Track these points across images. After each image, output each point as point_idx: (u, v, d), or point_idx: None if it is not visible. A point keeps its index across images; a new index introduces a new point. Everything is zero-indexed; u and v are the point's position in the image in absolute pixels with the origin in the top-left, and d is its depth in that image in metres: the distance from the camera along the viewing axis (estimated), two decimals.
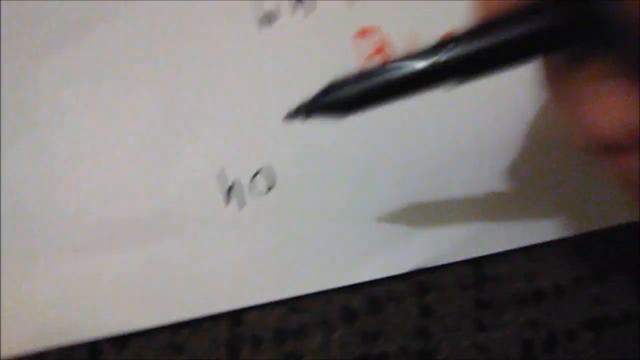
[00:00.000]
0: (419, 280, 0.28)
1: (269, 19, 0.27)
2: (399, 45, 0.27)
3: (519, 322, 0.28)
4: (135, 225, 0.26)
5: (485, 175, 0.28)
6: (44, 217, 0.26)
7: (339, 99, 0.18)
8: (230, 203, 0.27)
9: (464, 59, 0.17)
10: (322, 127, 0.27)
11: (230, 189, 0.27)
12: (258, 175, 0.27)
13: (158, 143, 0.27)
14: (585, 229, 0.28)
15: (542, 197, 0.28)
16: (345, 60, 0.27)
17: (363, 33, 0.27)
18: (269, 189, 0.27)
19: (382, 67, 0.18)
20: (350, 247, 0.27)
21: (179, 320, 0.26)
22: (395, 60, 0.18)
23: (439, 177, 0.27)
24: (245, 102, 0.27)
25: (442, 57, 0.17)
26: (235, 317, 0.27)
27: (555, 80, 0.19)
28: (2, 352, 0.26)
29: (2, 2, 0.27)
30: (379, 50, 0.27)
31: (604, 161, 0.19)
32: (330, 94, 0.19)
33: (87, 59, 0.27)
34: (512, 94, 0.27)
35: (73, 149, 0.27)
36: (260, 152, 0.27)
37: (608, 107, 0.18)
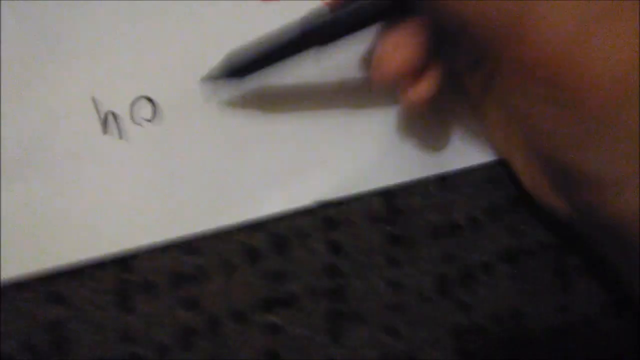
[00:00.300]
0: (326, 215, 0.26)
1: None
2: None
3: (433, 256, 0.27)
4: (1, 160, 0.23)
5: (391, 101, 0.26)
6: None
7: (235, 67, 0.24)
8: (107, 133, 0.24)
9: (327, 26, 0.23)
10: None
11: (106, 118, 0.24)
12: (137, 105, 0.24)
13: (22, 64, 0.24)
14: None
15: (450, 124, 0.27)
16: None
17: None
18: (151, 119, 0.24)
19: (266, 38, 0.23)
20: (248, 181, 0.25)
21: (55, 269, 0.24)
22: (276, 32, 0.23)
23: (342, 101, 0.26)
24: (118, 24, 0.25)
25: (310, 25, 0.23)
26: (124, 261, 0.24)
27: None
28: None
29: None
30: None
31: (401, 96, 0.24)
32: (229, 62, 0.24)
33: None
34: None
35: None
36: (139, 81, 0.24)
37: (380, 45, 0.23)
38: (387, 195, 0.26)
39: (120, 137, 0.24)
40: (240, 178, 0.25)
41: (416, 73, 0.23)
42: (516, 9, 0.20)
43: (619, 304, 0.28)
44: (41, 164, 0.24)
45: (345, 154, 0.26)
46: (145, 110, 0.24)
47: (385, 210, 0.26)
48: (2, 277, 0.23)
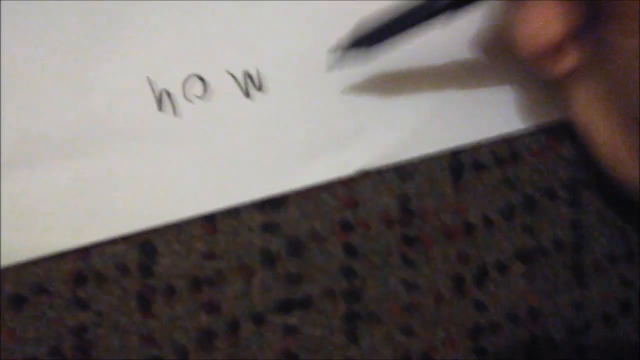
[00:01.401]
0: (341, 218, 0.26)
1: None
2: None
3: (448, 256, 0.27)
4: (60, 138, 0.24)
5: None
6: None
7: (364, 36, 0.24)
8: (162, 110, 0.25)
9: None
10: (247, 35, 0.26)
11: (161, 96, 0.25)
12: (189, 83, 0.25)
13: (77, 51, 0.25)
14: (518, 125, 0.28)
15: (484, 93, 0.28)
16: None
17: None
18: (202, 96, 0.25)
19: (394, 9, 0.23)
20: (292, 151, 0.26)
21: (117, 235, 0.25)
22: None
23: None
24: (174, 10, 0.25)
25: None
26: (147, 268, 0.25)
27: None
28: None
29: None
30: None
31: (536, 69, 0.24)
32: (357, 34, 0.24)
33: None
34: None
35: None
36: (190, 60, 0.25)
37: (529, 20, 0.22)
38: (402, 197, 0.27)
39: (175, 114, 0.25)
40: (286, 149, 0.26)
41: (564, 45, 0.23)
42: None
43: (638, 300, 0.28)
44: (100, 141, 0.25)
45: (386, 122, 0.27)
46: (197, 87, 0.25)
47: (400, 212, 0.27)
48: (61, 247, 0.24)
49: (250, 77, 0.26)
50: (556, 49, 0.23)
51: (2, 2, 0.24)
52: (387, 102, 0.27)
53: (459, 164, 0.27)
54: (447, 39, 0.27)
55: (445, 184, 0.27)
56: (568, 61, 0.23)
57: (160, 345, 0.25)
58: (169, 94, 0.25)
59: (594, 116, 0.26)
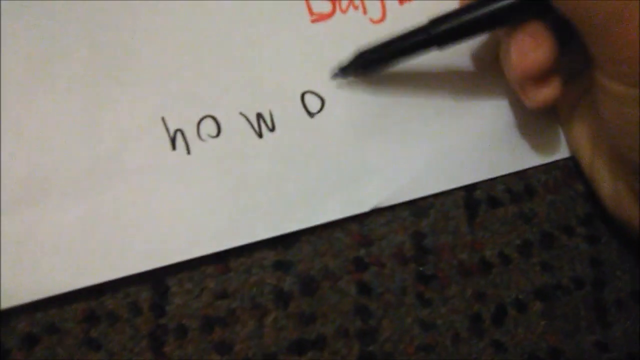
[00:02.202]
0: (355, 257, 0.26)
1: None
2: None
3: (465, 295, 0.26)
4: (71, 176, 0.25)
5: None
6: None
7: (363, 62, 0.25)
8: (176, 149, 0.25)
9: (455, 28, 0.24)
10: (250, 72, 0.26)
11: (175, 136, 0.25)
12: (202, 123, 0.26)
13: (92, 88, 0.25)
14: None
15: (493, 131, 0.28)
16: None
17: None
18: (214, 136, 0.26)
19: (392, 38, 0.25)
20: (308, 189, 0.26)
21: (130, 274, 0.24)
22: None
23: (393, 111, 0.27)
24: (183, 50, 0.26)
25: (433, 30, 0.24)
26: (160, 306, 0.25)
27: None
28: None
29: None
30: None
31: (527, 97, 0.25)
32: (359, 59, 0.25)
33: (10, 7, 0.25)
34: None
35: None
36: (204, 100, 0.26)
37: (523, 49, 0.23)
38: (417, 235, 0.26)
39: (188, 152, 0.25)
40: (300, 187, 0.26)
41: (543, 75, 0.24)
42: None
43: None
44: (111, 179, 0.25)
45: (399, 159, 0.27)
46: (211, 128, 0.26)
47: (415, 249, 0.26)
48: (71, 287, 0.24)
49: (263, 118, 0.26)
50: (537, 78, 0.24)
51: (6, 41, 0.25)
52: (400, 139, 0.27)
53: (474, 200, 0.27)
54: (457, 74, 0.27)
55: (461, 221, 0.27)
56: (552, 90, 0.24)
57: None
58: (182, 133, 0.25)
59: (593, 156, 0.26)
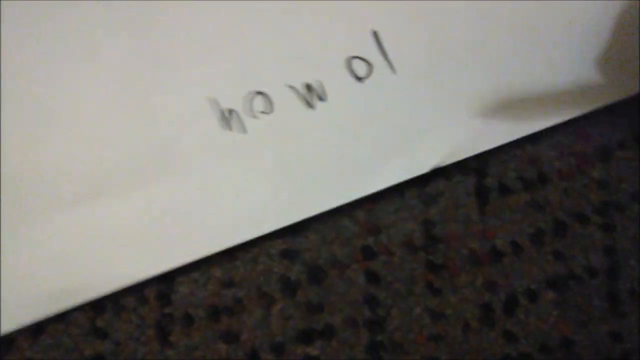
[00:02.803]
0: (364, 245, 0.26)
1: None
2: None
3: (475, 284, 0.26)
4: (130, 167, 0.25)
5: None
6: (31, 174, 0.24)
7: None
8: (228, 129, 0.25)
9: None
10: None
11: (225, 116, 0.25)
12: (251, 99, 0.25)
13: (138, 77, 0.25)
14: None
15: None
16: None
17: None
18: (266, 112, 0.25)
19: None
20: (363, 156, 0.26)
21: (199, 258, 0.24)
22: None
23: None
24: (224, 29, 0.26)
25: None
26: (165, 296, 0.24)
27: None
28: (2, 326, 0.23)
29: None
30: None
31: None
32: None
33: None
34: None
35: (53, 98, 0.24)
36: (252, 76, 0.26)
37: None
38: (426, 223, 0.26)
39: (241, 130, 0.25)
40: (357, 154, 0.26)
41: None
42: None
43: None
44: (173, 164, 0.25)
45: (454, 117, 0.26)
46: (260, 103, 0.25)
47: (425, 238, 0.26)
48: (146, 275, 0.24)
49: (312, 88, 0.26)
50: None
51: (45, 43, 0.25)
52: (453, 97, 0.26)
53: (485, 187, 0.26)
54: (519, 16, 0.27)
55: (471, 209, 0.26)
56: None
57: None
58: (233, 112, 0.25)
59: None
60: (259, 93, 0.26)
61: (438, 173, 0.26)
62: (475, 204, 0.26)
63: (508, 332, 0.26)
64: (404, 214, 0.26)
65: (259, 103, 0.26)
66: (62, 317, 0.24)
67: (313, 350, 0.25)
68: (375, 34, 0.26)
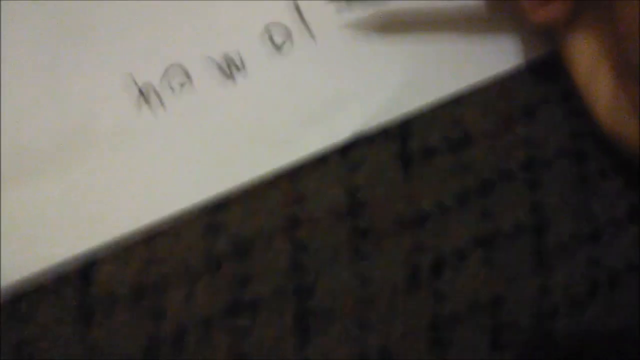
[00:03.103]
0: (288, 214, 0.25)
1: None
2: None
3: (402, 247, 0.26)
4: (47, 149, 0.24)
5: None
6: None
7: None
8: (146, 104, 0.25)
9: None
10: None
11: (142, 92, 0.25)
12: (170, 73, 0.25)
13: (53, 53, 0.24)
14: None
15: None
16: None
17: None
18: (183, 85, 0.25)
19: None
20: (285, 123, 0.26)
21: (119, 235, 0.24)
22: None
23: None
24: (142, 3, 0.25)
25: None
26: (86, 276, 0.24)
27: None
28: None
29: None
30: None
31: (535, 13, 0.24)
32: None
33: None
34: None
35: None
36: (166, 50, 0.25)
37: None
38: (351, 188, 0.26)
39: (160, 106, 0.25)
40: (277, 123, 0.26)
41: None
42: None
43: (611, 280, 0.27)
44: (89, 145, 0.24)
45: (372, 82, 0.26)
46: (179, 77, 0.25)
47: (349, 203, 0.26)
48: (63, 256, 0.24)
49: (231, 58, 0.25)
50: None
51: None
52: (370, 63, 0.26)
53: (409, 150, 0.26)
54: None
55: (396, 172, 0.26)
56: (559, 7, 0.24)
57: (106, 356, 0.24)
58: (150, 87, 0.25)
59: (592, 66, 0.25)
60: (176, 65, 0.25)
61: (361, 139, 0.26)
62: (400, 168, 0.26)
63: (437, 292, 0.26)
64: (328, 180, 0.26)
65: (175, 76, 0.25)
66: None
67: (241, 322, 0.25)
68: (296, 3, 0.26)
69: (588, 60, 0.25)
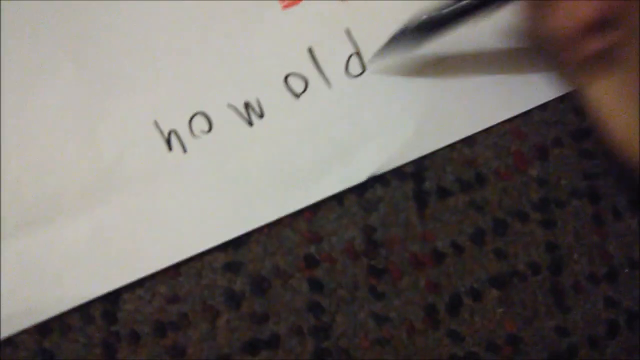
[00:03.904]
0: (306, 254, 0.26)
1: None
2: None
3: (418, 286, 0.26)
4: (77, 192, 0.25)
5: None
6: None
7: (419, 27, 0.25)
8: (172, 150, 0.26)
9: None
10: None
11: (166, 137, 0.26)
12: (194, 121, 0.26)
13: (84, 102, 0.26)
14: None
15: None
16: None
17: None
18: (206, 131, 0.26)
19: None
20: (302, 169, 0.26)
21: (145, 275, 0.25)
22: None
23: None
24: (165, 54, 0.27)
25: None
26: (111, 314, 0.25)
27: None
28: None
29: None
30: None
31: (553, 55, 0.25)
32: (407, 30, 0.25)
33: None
34: None
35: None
36: (193, 98, 0.26)
37: (558, 12, 0.24)
38: (367, 229, 0.26)
39: (184, 151, 0.26)
40: (295, 167, 0.26)
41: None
42: None
43: (630, 321, 0.27)
44: (117, 187, 0.26)
45: (388, 125, 0.27)
46: (202, 123, 0.26)
47: (366, 244, 0.26)
48: (89, 297, 0.25)
49: (251, 106, 0.27)
50: (582, 35, 0.24)
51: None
52: (388, 105, 0.27)
53: (423, 191, 0.27)
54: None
55: (411, 213, 0.27)
56: (601, 41, 0.24)
57: None
58: (176, 134, 0.26)
59: (615, 107, 0.25)
60: (199, 113, 0.26)
61: (376, 180, 0.27)
62: (415, 208, 0.27)
63: (453, 332, 0.26)
64: (345, 221, 0.26)
65: (199, 123, 0.26)
66: (9, 341, 0.24)
67: None
68: (311, 51, 0.27)
69: (608, 91, 0.25)
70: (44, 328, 0.25)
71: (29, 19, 0.26)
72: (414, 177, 0.27)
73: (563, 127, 0.28)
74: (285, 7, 0.27)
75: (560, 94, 0.28)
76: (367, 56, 0.27)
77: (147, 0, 0.27)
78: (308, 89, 0.27)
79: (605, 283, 0.27)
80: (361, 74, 0.27)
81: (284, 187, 0.26)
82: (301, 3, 0.28)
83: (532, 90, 0.28)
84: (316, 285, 0.26)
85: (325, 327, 0.26)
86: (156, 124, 0.26)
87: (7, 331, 0.24)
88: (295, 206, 0.26)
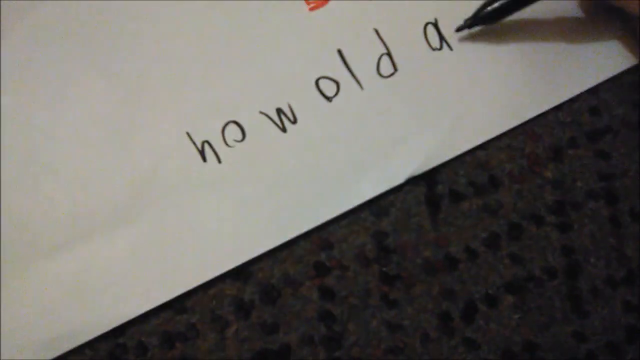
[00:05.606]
0: (316, 261, 0.25)
1: None
2: None
3: (431, 294, 0.26)
4: (113, 208, 0.25)
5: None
6: (12, 223, 0.24)
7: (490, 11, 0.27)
8: (206, 161, 0.25)
9: None
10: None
11: (199, 148, 0.26)
12: (226, 130, 0.26)
13: (115, 118, 0.25)
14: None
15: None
16: None
17: None
18: (239, 140, 0.26)
19: None
20: (338, 173, 0.26)
21: (187, 290, 0.24)
22: None
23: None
24: (192, 64, 0.26)
25: None
26: (119, 327, 0.24)
27: None
28: None
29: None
30: None
31: None
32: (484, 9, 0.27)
33: (26, 42, 0.26)
34: None
35: (28, 146, 0.25)
36: (224, 107, 0.26)
37: None
38: (378, 235, 0.26)
39: (219, 161, 0.26)
40: (332, 172, 0.26)
41: None
42: None
43: None
44: (154, 201, 0.25)
45: (426, 125, 0.27)
46: (235, 132, 0.26)
47: (377, 250, 0.26)
48: (133, 314, 0.24)
49: (283, 112, 0.26)
50: None
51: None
52: (422, 105, 0.27)
53: (435, 195, 0.26)
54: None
55: (423, 218, 0.26)
56: None
57: None
58: (209, 144, 0.26)
59: None
60: (232, 122, 0.26)
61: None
62: (427, 213, 0.26)
63: (468, 340, 0.25)
64: (355, 227, 0.26)
65: (232, 132, 0.26)
66: None
67: None
68: (340, 53, 0.27)
69: None
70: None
71: (57, 35, 0.26)
72: (426, 180, 0.26)
73: (578, 128, 0.28)
74: (312, 9, 0.27)
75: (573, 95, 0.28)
76: (397, 56, 0.27)
77: (174, 10, 0.26)
78: (340, 92, 0.27)
79: (624, 287, 0.27)
80: (393, 74, 0.27)
81: (322, 193, 0.26)
82: (328, 4, 0.27)
83: (549, 91, 0.28)
84: (327, 294, 0.25)
85: (336, 336, 0.25)
86: (189, 135, 0.26)
87: (51, 354, 0.24)
88: (336, 211, 0.26)
